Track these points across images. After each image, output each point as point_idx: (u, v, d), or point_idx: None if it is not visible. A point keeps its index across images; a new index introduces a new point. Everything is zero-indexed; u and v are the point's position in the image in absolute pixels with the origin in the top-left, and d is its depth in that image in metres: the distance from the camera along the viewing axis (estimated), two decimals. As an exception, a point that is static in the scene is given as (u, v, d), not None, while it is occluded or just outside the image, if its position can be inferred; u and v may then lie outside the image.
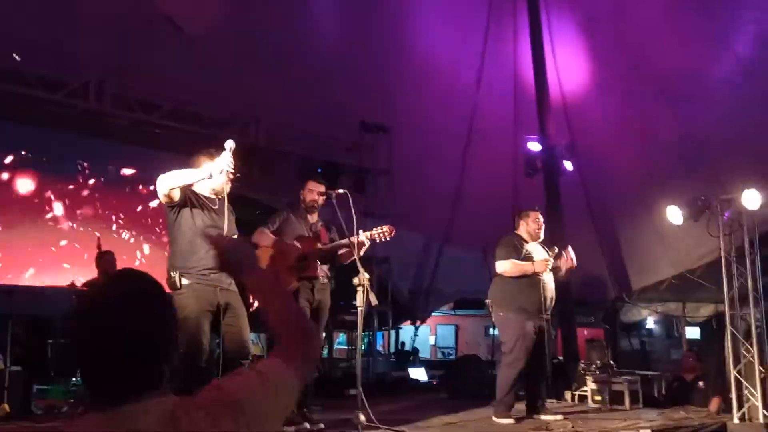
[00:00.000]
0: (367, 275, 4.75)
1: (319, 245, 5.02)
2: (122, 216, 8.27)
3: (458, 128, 9.73)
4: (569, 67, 9.33)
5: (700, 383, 6.99)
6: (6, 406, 5.12)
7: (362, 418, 4.47)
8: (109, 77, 7.35)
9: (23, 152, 7.60)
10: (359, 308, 4.78)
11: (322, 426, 4.85)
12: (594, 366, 7.06)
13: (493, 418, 5.44)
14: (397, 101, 9.26)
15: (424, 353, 15.04)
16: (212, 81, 7.83)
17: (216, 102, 8.14)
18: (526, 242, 5.68)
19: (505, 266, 5.55)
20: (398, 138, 9.44)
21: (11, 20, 6.44)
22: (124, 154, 8.22)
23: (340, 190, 5.17)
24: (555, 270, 5.69)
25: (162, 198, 3.98)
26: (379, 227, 4.96)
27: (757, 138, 7.47)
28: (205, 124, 8.09)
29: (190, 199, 4.02)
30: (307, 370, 1.51)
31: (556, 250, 5.68)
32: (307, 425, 4.75)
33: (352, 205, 4.98)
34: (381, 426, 4.63)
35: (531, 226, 5.74)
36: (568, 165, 8.45)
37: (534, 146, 8.52)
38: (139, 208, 8.41)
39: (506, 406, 5.45)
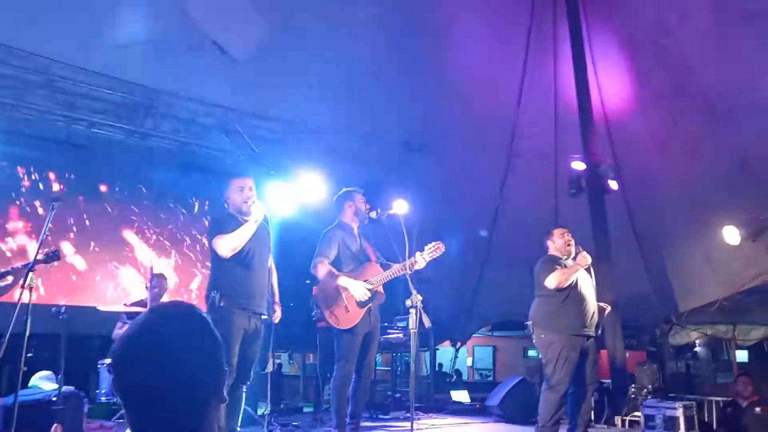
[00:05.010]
0: (420, 296, 4.70)
1: (382, 274, 4.96)
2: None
3: (498, 147, 9.68)
4: (611, 86, 9.22)
5: (757, 409, 6.77)
6: (59, 427, 5.12)
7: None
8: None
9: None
10: (412, 330, 4.74)
11: None
12: (645, 390, 6.87)
13: None
14: (436, 119, 9.25)
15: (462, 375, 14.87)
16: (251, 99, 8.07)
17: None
18: (562, 258, 5.56)
19: (554, 278, 5.29)
20: (438, 156, 9.41)
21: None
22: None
23: (391, 211, 5.15)
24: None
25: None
26: (431, 245, 4.92)
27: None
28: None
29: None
30: None
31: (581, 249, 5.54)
32: None
33: (403, 226, 4.96)
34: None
35: (557, 242, 5.59)
36: (613, 184, 8.28)
37: (578, 165, 8.39)
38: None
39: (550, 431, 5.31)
